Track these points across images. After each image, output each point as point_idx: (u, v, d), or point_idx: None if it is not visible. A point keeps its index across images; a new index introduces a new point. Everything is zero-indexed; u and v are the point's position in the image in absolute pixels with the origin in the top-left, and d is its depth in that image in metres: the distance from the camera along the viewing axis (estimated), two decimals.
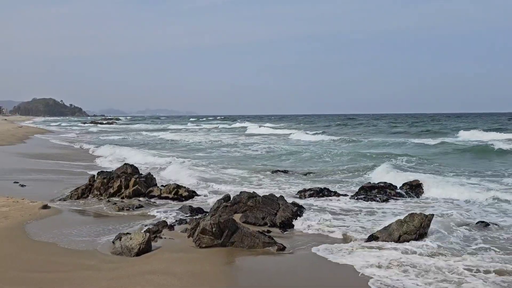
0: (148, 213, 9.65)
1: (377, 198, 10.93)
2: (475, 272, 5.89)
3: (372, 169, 15.53)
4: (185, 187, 11.64)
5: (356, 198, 11.11)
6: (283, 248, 7.03)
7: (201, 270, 6.03)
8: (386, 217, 8.93)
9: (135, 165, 13.27)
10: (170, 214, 9.38)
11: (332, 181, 14.27)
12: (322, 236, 7.87)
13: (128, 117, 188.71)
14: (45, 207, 9.47)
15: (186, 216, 9.17)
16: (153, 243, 7.04)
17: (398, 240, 7.26)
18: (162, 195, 11.22)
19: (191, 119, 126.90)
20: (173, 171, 15.23)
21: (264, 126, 60.02)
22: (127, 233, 7.08)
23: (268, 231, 7.94)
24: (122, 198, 11.07)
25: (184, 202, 10.68)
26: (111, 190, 11.31)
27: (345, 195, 11.53)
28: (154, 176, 12.49)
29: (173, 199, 11.06)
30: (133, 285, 5.50)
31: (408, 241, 7.23)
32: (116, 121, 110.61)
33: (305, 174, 15.53)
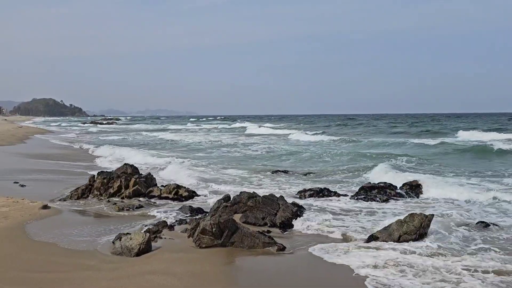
0: (148, 213, 9.65)
1: (377, 198, 10.93)
2: (473, 272, 5.90)
3: (372, 169, 15.53)
4: (185, 187, 11.65)
5: (356, 198, 11.11)
6: (283, 248, 7.03)
7: (201, 270, 6.03)
8: (386, 217, 8.93)
9: (134, 165, 13.27)
10: (170, 214, 9.38)
11: (332, 181, 14.27)
12: (322, 236, 7.88)
13: (128, 117, 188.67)
14: (45, 207, 9.47)
15: (186, 216, 9.17)
16: (153, 243, 7.04)
17: (398, 240, 7.27)
18: (162, 195, 11.22)
19: (190, 119, 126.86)
20: (172, 171, 15.22)
21: (264, 126, 60.02)
22: (127, 233, 7.08)
23: (268, 231, 7.94)
24: (122, 198, 11.08)
25: (184, 202, 10.68)
26: (111, 190, 11.31)
27: (345, 195, 11.53)
28: (154, 176, 12.50)
29: (173, 199, 11.06)
30: (133, 285, 5.50)
31: (408, 241, 7.24)
32: (116, 121, 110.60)
33: (305, 174, 15.53)
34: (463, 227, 8.19)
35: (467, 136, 33.63)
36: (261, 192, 10.36)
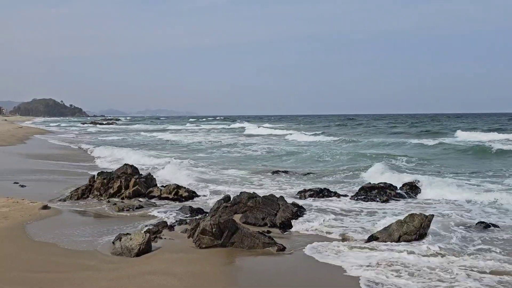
0: (148, 214, 9.65)
1: (377, 199, 10.94)
2: (470, 272, 5.90)
3: (367, 169, 15.51)
4: (185, 188, 11.65)
5: (356, 198, 11.12)
6: (283, 249, 7.04)
7: (201, 271, 6.03)
8: (386, 217, 8.93)
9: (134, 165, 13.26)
10: (170, 215, 9.38)
11: (332, 181, 14.28)
12: (322, 236, 7.88)
13: (128, 118, 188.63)
14: (45, 207, 9.47)
15: (186, 217, 9.18)
16: (153, 244, 7.04)
17: (398, 241, 7.28)
18: (162, 196, 11.22)
19: (190, 120, 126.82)
20: (171, 172, 15.12)
21: (263, 127, 59.98)
22: (127, 234, 7.09)
23: (268, 232, 7.94)
24: (122, 198, 11.08)
25: (184, 203, 10.69)
26: (111, 191, 11.32)
27: (345, 195, 11.53)
28: (154, 177, 12.50)
29: (173, 199, 11.06)
30: (133, 285, 5.51)
31: (408, 241, 7.25)
32: (116, 122, 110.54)
33: (305, 175, 15.53)
34: (463, 227, 8.20)
35: (467, 137, 33.66)
36: (261, 192, 10.36)
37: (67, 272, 5.90)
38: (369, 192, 11.41)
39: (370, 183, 12.13)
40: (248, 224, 8.36)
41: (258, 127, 59.09)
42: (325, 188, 11.87)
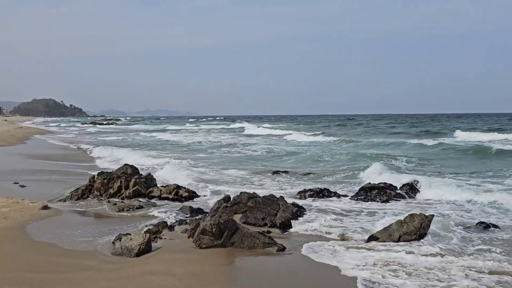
0: (148, 214, 9.65)
1: (377, 199, 10.95)
2: (469, 272, 5.91)
3: (365, 169, 15.50)
4: (185, 188, 11.65)
5: (356, 198, 11.12)
6: (283, 249, 7.04)
7: (201, 271, 6.04)
8: (386, 217, 8.94)
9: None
10: (170, 215, 9.38)
11: (332, 181, 14.29)
12: (322, 237, 7.88)
13: (128, 118, 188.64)
14: (45, 207, 9.47)
15: (186, 217, 9.18)
16: (153, 244, 7.05)
17: (398, 241, 7.29)
18: (162, 196, 11.23)
19: (190, 120, 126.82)
20: (170, 172, 15.10)
21: (263, 127, 59.99)
22: (127, 234, 7.09)
23: (268, 232, 7.94)
24: (122, 198, 11.08)
25: (184, 203, 10.69)
26: (111, 191, 11.32)
27: (345, 195, 11.54)
28: (154, 177, 12.50)
29: (173, 199, 11.07)
30: (133, 285, 5.51)
31: (408, 241, 7.26)
32: (116, 122, 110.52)
33: (305, 175, 15.54)
34: (463, 227, 8.21)
35: (466, 137, 33.69)
36: (261, 192, 10.36)
37: (67, 272, 5.90)
38: (369, 192, 11.42)
39: (370, 183, 12.13)
40: (248, 224, 8.36)
41: (258, 127, 59.10)
42: (325, 188, 11.87)
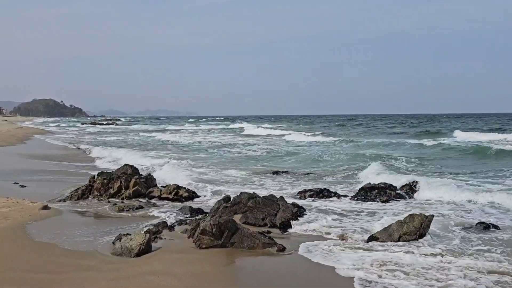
0: (148, 214, 9.66)
1: (377, 199, 10.95)
2: (468, 272, 5.91)
3: (363, 170, 15.49)
4: (185, 188, 11.65)
5: (356, 199, 11.13)
6: (283, 249, 7.04)
7: (201, 271, 6.04)
8: (386, 218, 8.94)
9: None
10: (170, 215, 9.39)
11: (332, 181, 14.29)
12: (322, 237, 7.88)
13: (128, 118, 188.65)
14: (45, 207, 9.48)
15: (186, 217, 9.19)
16: (153, 244, 7.05)
17: (398, 241, 7.29)
18: (162, 196, 11.23)
19: (189, 120, 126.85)
20: (169, 172, 15.07)
21: (262, 127, 59.98)
22: (127, 234, 7.09)
23: (268, 232, 7.95)
24: (122, 199, 11.09)
25: (184, 203, 10.70)
26: (111, 191, 11.32)
27: (345, 195, 11.54)
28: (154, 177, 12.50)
29: (173, 200, 11.07)
30: (133, 285, 5.52)
31: (408, 241, 7.26)
32: (116, 122, 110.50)
33: (305, 175, 15.55)
34: (463, 227, 8.21)
35: (465, 137, 33.70)
36: (261, 192, 10.37)
37: (67, 273, 5.91)
38: (369, 193, 11.43)
39: (370, 183, 12.14)
40: (248, 225, 8.36)
41: (257, 128, 59.10)
42: (325, 189, 11.88)
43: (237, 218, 8.50)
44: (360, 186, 12.33)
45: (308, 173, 15.85)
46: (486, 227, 8.16)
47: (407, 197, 11.37)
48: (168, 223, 8.54)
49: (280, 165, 18.93)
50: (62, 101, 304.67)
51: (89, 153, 24.17)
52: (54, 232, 7.85)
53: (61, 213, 9.44)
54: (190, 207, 9.84)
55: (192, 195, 11.44)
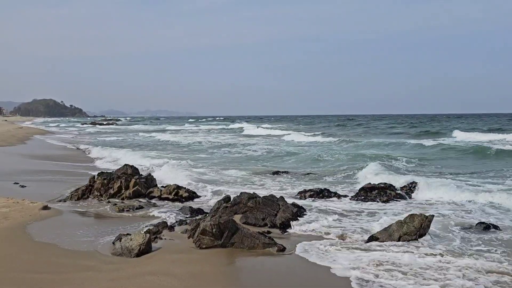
0: (149, 214, 9.66)
1: (377, 199, 10.95)
2: (466, 272, 5.91)
3: (361, 170, 15.49)
4: (185, 188, 11.65)
5: (356, 199, 11.13)
6: (283, 249, 7.05)
7: (201, 271, 6.04)
8: (386, 218, 8.94)
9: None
10: (171, 215, 9.39)
11: (332, 181, 14.30)
12: (322, 237, 7.88)
13: (128, 118, 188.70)
14: (46, 208, 9.48)
15: (186, 217, 9.19)
16: (153, 244, 7.05)
17: (398, 241, 7.29)
18: (162, 196, 11.23)
19: (189, 120, 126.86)
20: (168, 173, 15.05)
21: (262, 127, 59.96)
22: (127, 234, 7.10)
23: (268, 232, 7.95)
24: (122, 199, 11.09)
25: (185, 203, 10.70)
26: (111, 191, 11.32)
27: (345, 196, 11.54)
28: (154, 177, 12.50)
29: (173, 200, 11.07)
30: (133, 286, 5.52)
31: (408, 241, 7.26)
32: (116, 122, 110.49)
33: (306, 175, 15.55)
34: (463, 228, 8.22)
35: (465, 137, 33.70)
36: (262, 193, 10.37)
37: (67, 273, 5.91)
38: (369, 193, 11.42)
39: (370, 183, 12.13)
40: (248, 225, 8.36)
41: (257, 128, 59.08)
42: (325, 189, 11.88)
43: (237, 218, 8.50)
44: (360, 186, 12.33)
45: (308, 173, 15.85)
46: (486, 227, 8.16)
47: (407, 197, 11.36)
48: (168, 223, 8.54)
49: (280, 165, 18.93)
50: (62, 101, 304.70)
51: (89, 153, 24.17)
52: (54, 232, 7.85)
53: (61, 213, 9.44)
54: (190, 207, 9.84)
55: (192, 195, 11.44)
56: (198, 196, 11.59)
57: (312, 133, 43.47)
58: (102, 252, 6.83)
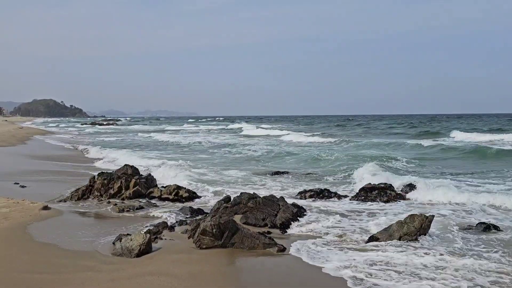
0: (149, 214, 9.66)
1: (377, 199, 10.95)
2: (465, 273, 5.90)
3: (357, 170, 15.48)
4: (185, 188, 11.65)
5: (356, 199, 11.13)
6: (283, 249, 7.04)
7: (202, 271, 6.04)
8: (386, 218, 8.94)
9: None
10: (171, 215, 9.38)
11: (333, 181, 14.30)
12: (322, 237, 7.87)
13: (128, 118, 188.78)
14: (46, 208, 9.47)
15: (187, 217, 9.18)
16: (153, 244, 7.05)
17: (399, 241, 7.28)
18: (162, 196, 11.23)
19: (189, 120, 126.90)
20: (171, 173, 15.05)
21: (261, 127, 59.93)
22: (128, 234, 7.09)
23: (269, 232, 7.95)
24: (123, 199, 11.09)
25: (185, 203, 10.70)
26: (112, 191, 11.32)
27: (346, 196, 11.55)
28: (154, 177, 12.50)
29: (173, 200, 11.07)
30: (133, 286, 5.51)
31: (407, 241, 7.26)
32: (116, 122, 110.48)
33: (306, 175, 15.56)
34: (463, 228, 8.22)
35: (465, 137, 33.70)
36: (262, 193, 10.38)
37: (68, 273, 5.90)
38: (369, 193, 11.43)
39: (370, 183, 12.13)
40: (249, 225, 8.36)
41: (256, 128, 59.06)
42: (325, 189, 11.88)
43: (237, 218, 8.50)
44: (360, 186, 12.32)
45: (308, 174, 15.85)
46: (486, 227, 8.16)
47: (407, 198, 11.36)
48: (169, 224, 8.54)
49: (280, 165, 18.93)
50: (62, 102, 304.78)
51: (88, 154, 24.16)
52: (54, 232, 7.85)
53: (62, 213, 9.44)
54: (190, 207, 9.84)
55: (193, 196, 11.43)
56: (199, 197, 11.58)
57: (312, 133, 43.47)
58: (102, 252, 6.83)
